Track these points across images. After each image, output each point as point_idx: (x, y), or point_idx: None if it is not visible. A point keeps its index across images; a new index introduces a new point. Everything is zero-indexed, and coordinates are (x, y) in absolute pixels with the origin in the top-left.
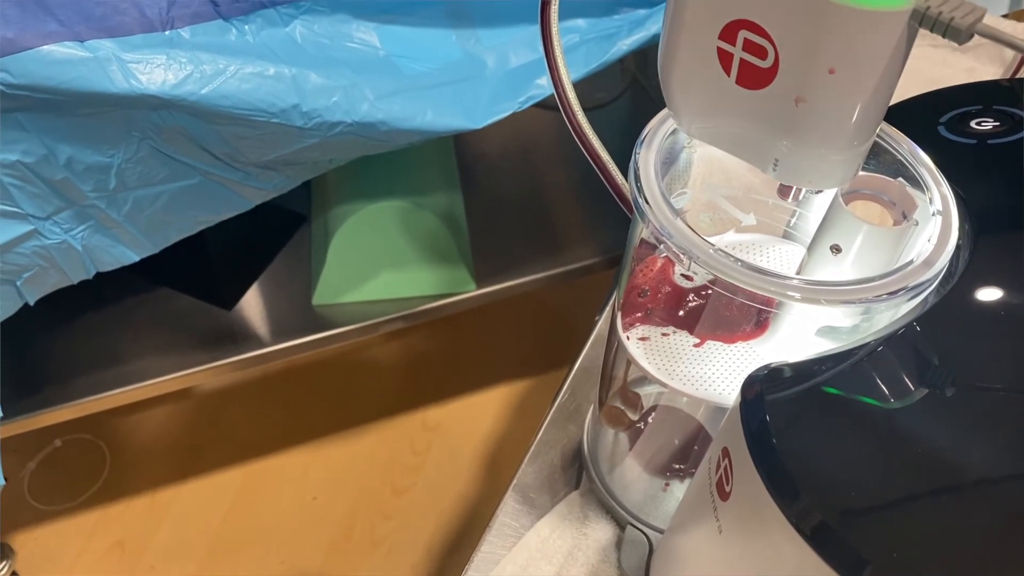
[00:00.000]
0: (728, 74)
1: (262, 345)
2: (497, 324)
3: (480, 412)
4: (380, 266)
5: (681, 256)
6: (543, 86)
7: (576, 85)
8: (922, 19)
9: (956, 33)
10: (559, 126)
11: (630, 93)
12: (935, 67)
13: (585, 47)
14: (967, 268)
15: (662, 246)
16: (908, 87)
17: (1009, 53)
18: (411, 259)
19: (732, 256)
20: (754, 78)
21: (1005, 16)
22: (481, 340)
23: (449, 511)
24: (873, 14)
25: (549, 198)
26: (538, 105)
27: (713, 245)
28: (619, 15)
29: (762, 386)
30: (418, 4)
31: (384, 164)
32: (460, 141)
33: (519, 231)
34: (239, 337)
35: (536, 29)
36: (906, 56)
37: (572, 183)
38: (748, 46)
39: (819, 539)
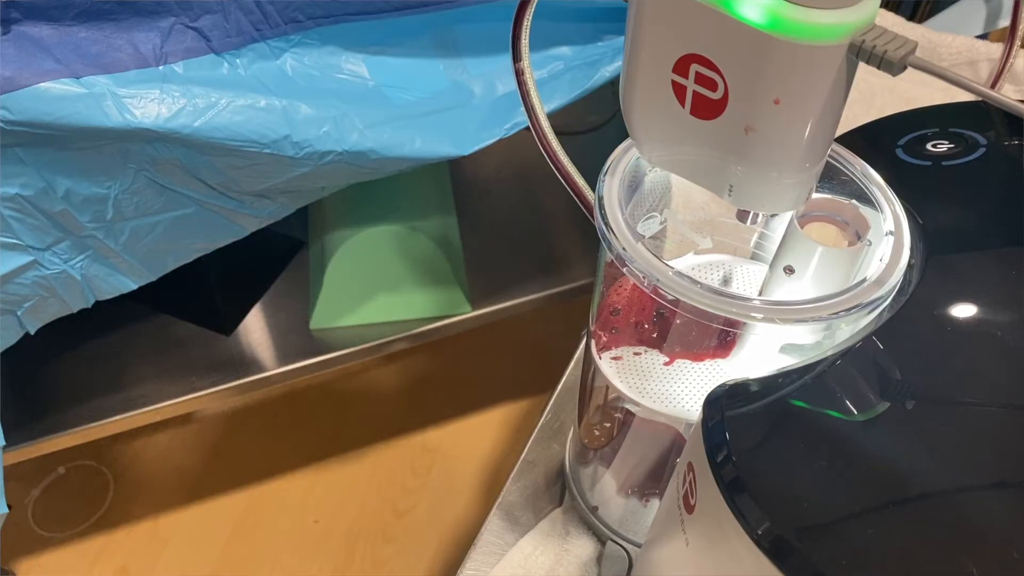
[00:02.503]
0: (683, 105)
1: (261, 370)
2: (495, 345)
3: (479, 433)
4: (376, 290)
5: (643, 279)
6: None
7: (568, 109)
8: (858, 52)
9: (889, 65)
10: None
11: (621, 116)
12: (913, 87)
13: (570, 74)
14: (919, 284)
15: (625, 270)
16: (887, 106)
17: (984, 72)
18: (407, 282)
19: (690, 278)
20: (706, 109)
21: (980, 37)
22: (479, 361)
23: (450, 532)
24: (812, 48)
25: (544, 219)
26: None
27: (672, 268)
28: (602, 42)
29: (722, 403)
30: (406, 35)
31: (380, 189)
32: (455, 165)
33: (514, 253)
34: (238, 362)
35: None
36: (848, 85)
37: (566, 204)
38: (700, 79)
39: (777, 552)
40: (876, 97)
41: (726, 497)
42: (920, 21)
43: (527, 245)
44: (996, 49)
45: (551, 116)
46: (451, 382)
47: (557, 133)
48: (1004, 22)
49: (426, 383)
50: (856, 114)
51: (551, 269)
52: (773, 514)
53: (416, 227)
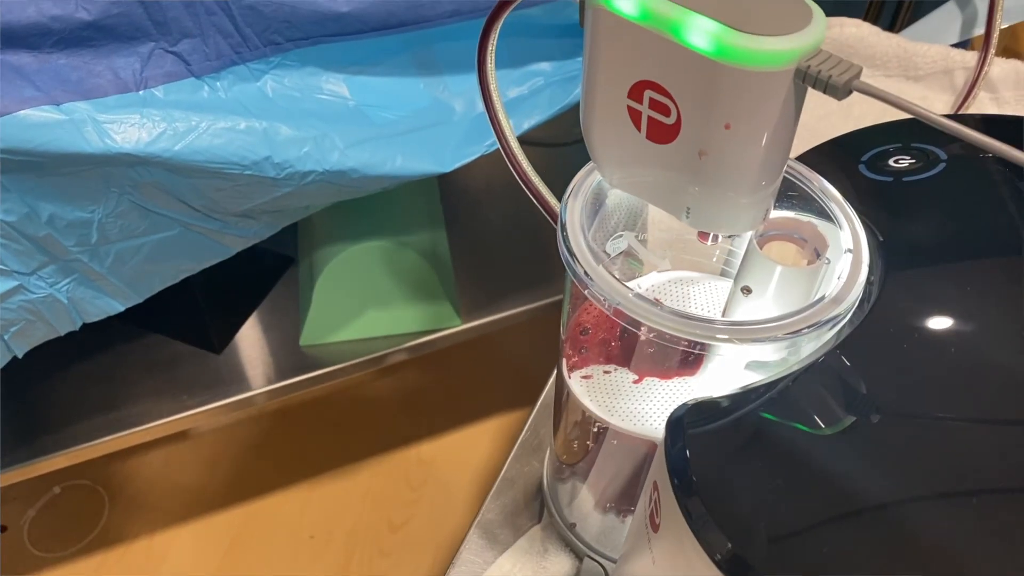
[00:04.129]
0: (639, 130)
1: (252, 387)
2: (488, 357)
3: (474, 445)
4: (365, 305)
5: (604, 302)
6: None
7: (555, 121)
8: (804, 77)
9: (834, 90)
10: (541, 159)
11: None
12: None
13: (549, 90)
14: (877, 300)
15: (587, 292)
16: (865, 116)
17: (959, 81)
18: (396, 297)
19: (650, 301)
20: (661, 134)
21: (959, 45)
22: (472, 373)
23: (446, 544)
24: (759, 74)
25: (533, 230)
26: (520, 140)
27: (633, 291)
28: (581, 57)
29: (684, 423)
30: (386, 54)
31: (368, 205)
32: (444, 178)
33: (506, 264)
34: (229, 380)
35: (501, 75)
36: (798, 108)
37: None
38: (653, 104)
39: (736, 572)
40: (854, 107)
41: (687, 518)
42: (900, 29)
43: (518, 256)
44: (971, 57)
45: (533, 130)
46: (444, 394)
47: (544, 145)
48: (979, 30)
49: (419, 396)
50: (835, 124)
51: (543, 280)
52: (733, 536)
53: (404, 242)
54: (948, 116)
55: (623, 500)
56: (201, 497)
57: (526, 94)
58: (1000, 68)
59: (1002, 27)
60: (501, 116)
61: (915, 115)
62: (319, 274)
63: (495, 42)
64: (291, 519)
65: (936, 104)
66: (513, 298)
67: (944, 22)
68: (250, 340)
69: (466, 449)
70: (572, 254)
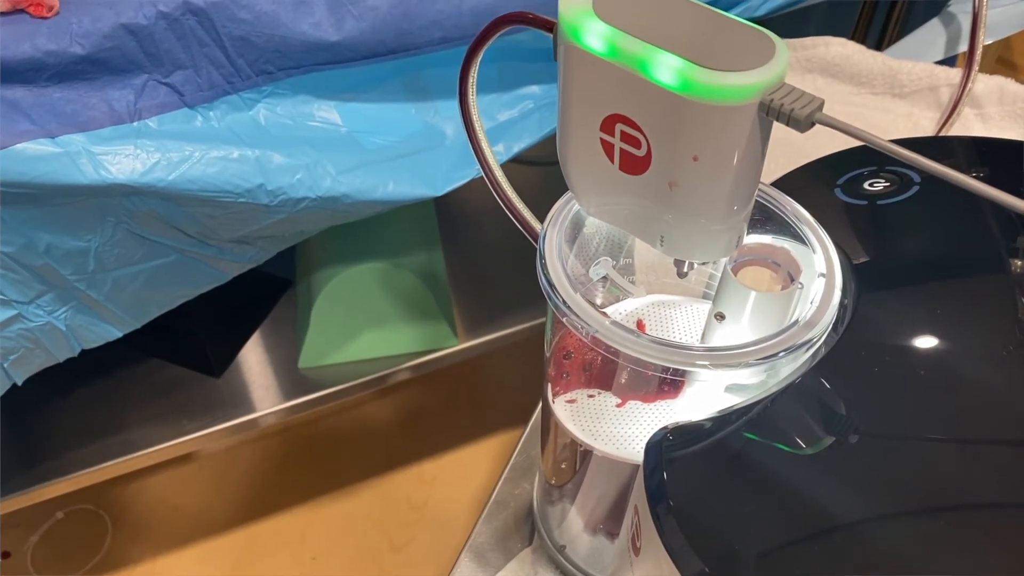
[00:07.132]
0: (612, 161)
1: (252, 410)
2: (488, 375)
3: (475, 464)
4: (363, 327)
5: (581, 330)
6: (500, 152)
7: (544, 144)
8: (768, 110)
9: (797, 123)
10: (536, 178)
11: None
12: (875, 113)
13: (539, 113)
14: (851, 321)
15: (565, 320)
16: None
17: (945, 97)
18: (393, 318)
19: (626, 328)
20: (633, 165)
21: (944, 62)
22: (472, 392)
23: (447, 565)
24: (723, 108)
25: (529, 249)
26: (515, 160)
27: (609, 319)
28: None
29: (662, 448)
30: (377, 81)
31: (365, 226)
32: (440, 198)
33: (502, 283)
34: (229, 403)
35: (492, 99)
36: (764, 139)
37: None
38: (624, 137)
39: None
40: None
41: (664, 542)
42: (887, 47)
43: (515, 276)
44: (956, 74)
45: (527, 152)
46: (444, 414)
47: (539, 164)
48: (964, 47)
49: (420, 415)
50: (821, 144)
51: (540, 299)
52: (710, 560)
53: (401, 263)
54: (911, 141)
55: (611, 522)
56: (203, 520)
57: (516, 117)
58: (984, 84)
59: (986, 43)
60: (484, 145)
61: (871, 144)
62: (317, 296)
63: (476, 75)
64: (293, 541)
65: (922, 121)
66: (510, 317)
67: (929, 40)
68: (249, 363)
69: (467, 468)
70: (551, 284)
